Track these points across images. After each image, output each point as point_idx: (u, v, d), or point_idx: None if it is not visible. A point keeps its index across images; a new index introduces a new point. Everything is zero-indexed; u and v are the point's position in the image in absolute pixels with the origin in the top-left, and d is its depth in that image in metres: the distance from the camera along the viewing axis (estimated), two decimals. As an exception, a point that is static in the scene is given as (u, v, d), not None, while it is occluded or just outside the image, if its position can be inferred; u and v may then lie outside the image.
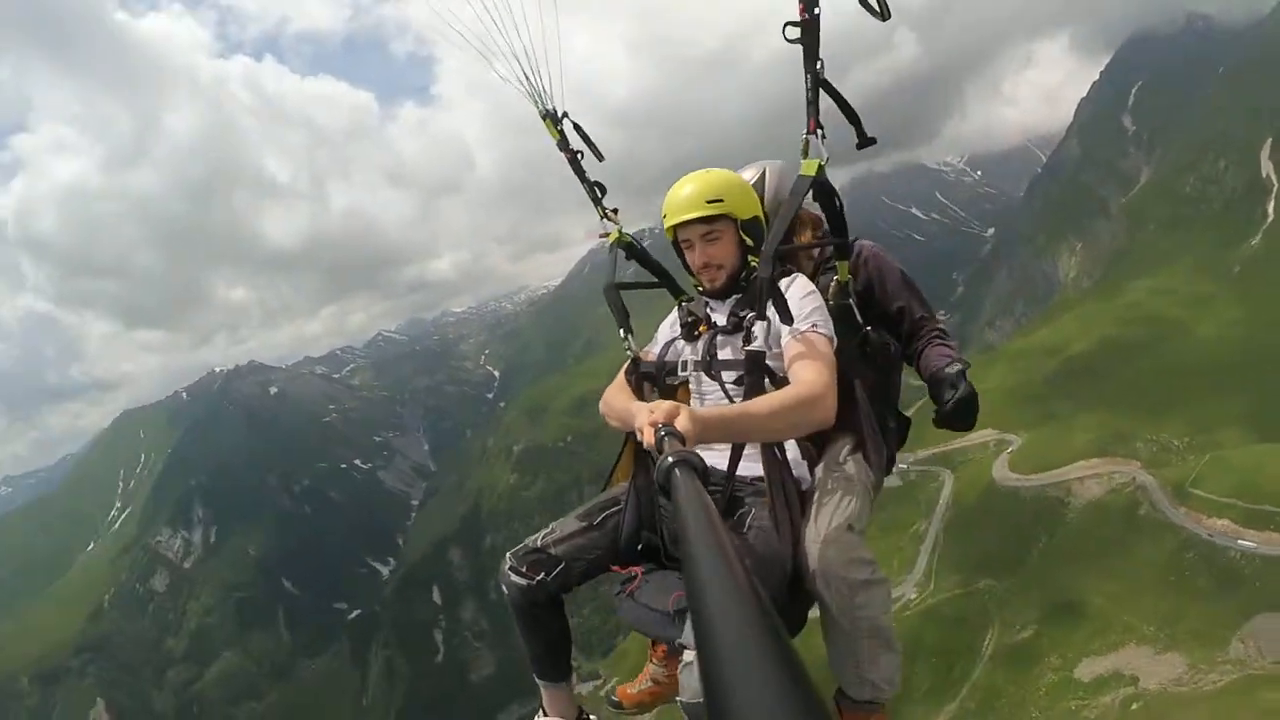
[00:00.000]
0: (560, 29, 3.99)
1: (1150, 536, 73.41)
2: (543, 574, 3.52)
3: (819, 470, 3.58)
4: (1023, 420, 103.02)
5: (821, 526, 3.28)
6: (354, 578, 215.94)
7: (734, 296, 3.75)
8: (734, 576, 1.05)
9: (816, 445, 3.65)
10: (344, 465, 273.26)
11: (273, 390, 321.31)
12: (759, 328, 3.52)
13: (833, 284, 3.89)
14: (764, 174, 4.30)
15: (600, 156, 4.34)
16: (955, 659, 72.06)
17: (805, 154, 3.63)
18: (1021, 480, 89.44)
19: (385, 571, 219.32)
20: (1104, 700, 60.34)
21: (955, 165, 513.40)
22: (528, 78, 4.19)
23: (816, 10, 3.38)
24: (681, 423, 2.49)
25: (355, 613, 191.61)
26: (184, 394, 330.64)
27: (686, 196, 3.64)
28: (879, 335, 4.00)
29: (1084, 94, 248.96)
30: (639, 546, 3.60)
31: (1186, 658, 60.61)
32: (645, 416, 2.56)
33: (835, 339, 3.48)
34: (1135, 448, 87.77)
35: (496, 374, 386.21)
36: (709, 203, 3.60)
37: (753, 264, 3.71)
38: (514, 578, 3.54)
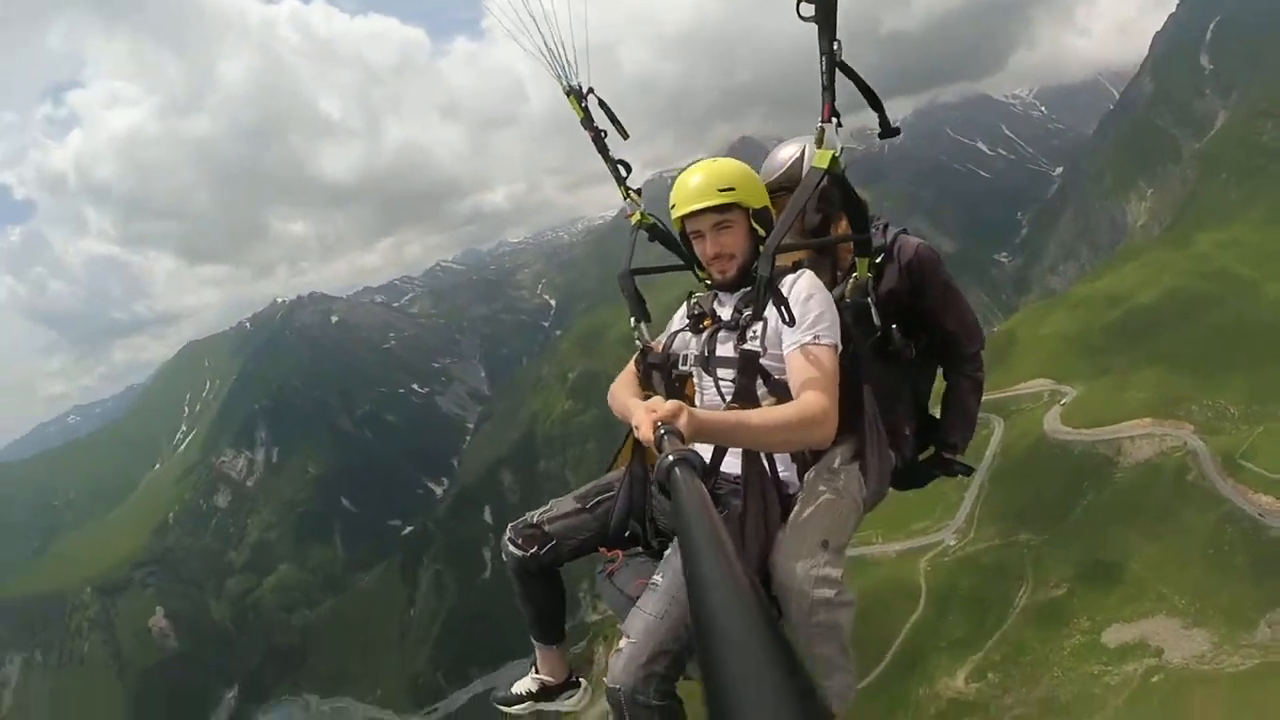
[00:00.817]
0: (586, 6, 3.97)
1: (1195, 505, 69.15)
2: (535, 548, 3.75)
3: (809, 475, 3.55)
4: (1079, 372, 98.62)
5: (794, 537, 3.29)
6: (409, 497, 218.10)
7: (743, 290, 3.67)
8: (734, 576, 1.07)
9: (812, 449, 3.58)
10: (402, 390, 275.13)
11: (333, 319, 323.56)
12: (756, 327, 3.51)
13: (851, 281, 3.90)
14: (803, 152, 4.09)
15: (625, 134, 4.31)
16: (988, 610, 69.65)
17: (819, 143, 3.62)
18: (1072, 434, 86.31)
19: (439, 491, 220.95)
20: (1127, 669, 57.35)
21: (1023, 98, 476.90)
22: (551, 52, 4.16)
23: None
24: (681, 422, 2.55)
25: (408, 529, 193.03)
26: (247, 324, 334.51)
27: (697, 186, 3.57)
28: (901, 336, 3.95)
29: (1159, 27, 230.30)
30: (627, 533, 3.76)
31: (1212, 635, 57.12)
32: (643, 414, 2.64)
33: (840, 345, 3.41)
34: (1190, 410, 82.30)
35: (553, 303, 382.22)
36: (720, 191, 3.53)
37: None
38: (511, 548, 3.79)
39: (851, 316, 3.66)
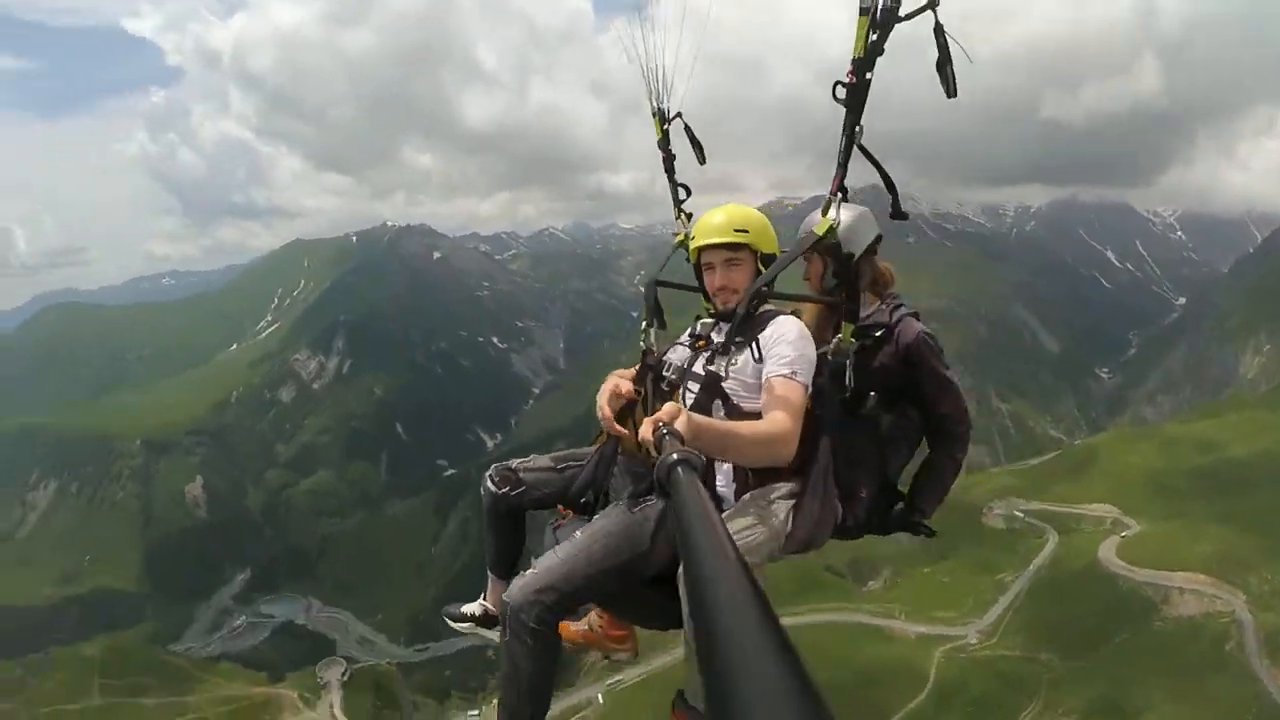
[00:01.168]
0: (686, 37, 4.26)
1: (1227, 676, 67.11)
2: (507, 489, 4.16)
3: (745, 496, 3.83)
4: (1149, 509, 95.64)
5: None
6: (460, 442, 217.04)
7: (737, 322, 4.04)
8: (735, 576, 1.08)
9: (757, 476, 3.87)
10: (481, 339, 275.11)
11: (436, 255, 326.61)
12: (735, 356, 3.91)
13: (834, 343, 4.10)
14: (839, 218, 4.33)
15: (702, 160, 4.65)
16: (989, 719, 68.51)
17: (825, 211, 4.02)
18: (1123, 569, 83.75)
19: (490, 444, 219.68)
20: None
21: (1164, 218, 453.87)
22: (651, 72, 4.52)
23: (868, 76, 3.57)
24: (680, 424, 2.81)
25: (451, 471, 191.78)
26: (354, 238, 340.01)
27: (717, 223, 4.05)
28: (877, 405, 4.19)
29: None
30: (583, 500, 4.03)
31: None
32: (607, 391, 3.70)
33: (810, 388, 3.77)
34: (1248, 580, 77.99)
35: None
36: (736, 231, 4.01)
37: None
38: (489, 484, 4.18)
39: (828, 373, 3.96)
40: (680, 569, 3.28)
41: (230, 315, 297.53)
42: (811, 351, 3.84)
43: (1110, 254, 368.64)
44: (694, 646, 3.19)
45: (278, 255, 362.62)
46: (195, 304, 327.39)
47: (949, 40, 3.49)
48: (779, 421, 3.49)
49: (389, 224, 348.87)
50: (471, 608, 4.67)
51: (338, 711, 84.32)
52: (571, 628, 4.43)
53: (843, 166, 3.79)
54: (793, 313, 4.12)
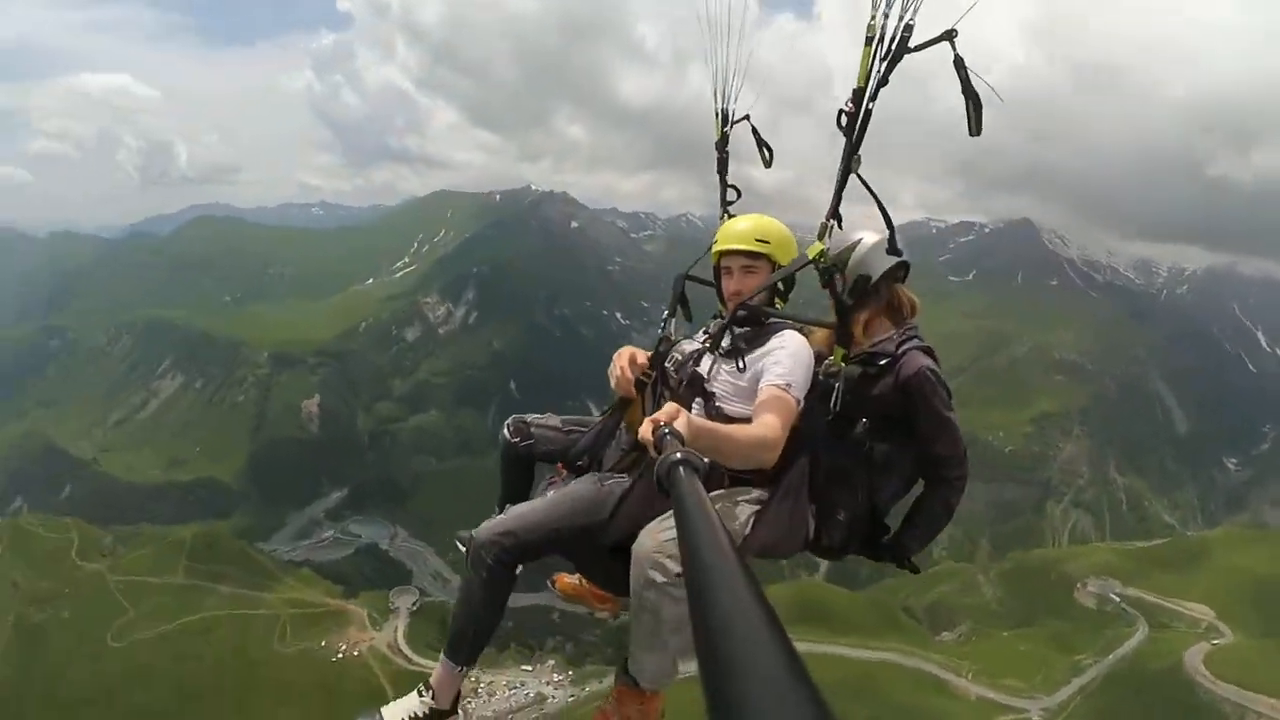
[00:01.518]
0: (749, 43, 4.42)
1: None
2: (518, 439, 4.49)
3: (713, 494, 3.85)
4: (1248, 620, 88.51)
5: (662, 524, 3.63)
6: (567, 408, 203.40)
7: (744, 328, 4.22)
8: (734, 573, 1.10)
9: (732, 478, 3.96)
10: (605, 312, 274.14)
11: (574, 224, 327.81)
12: (709, 358, 4.19)
13: (825, 364, 4.17)
14: (861, 241, 4.46)
15: (768, 163, 4.70)
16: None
17: (819, 236, 4.07)
18: (1207, 679, 78.17)
19: (597, 415, 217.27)
20: None
21: None
22: (722, 73, 4.57)
23: (869, 106, 3.64)
24: (680, 424, 2.90)
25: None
26: (497, 196, 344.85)
27: (740, 231, 4.22)
28: (868, 435, 4.13)
29: None
30: (579, 463, 4.36)
31: None
32: (625, 355, 4.14)
33: (801, 403, 3.86)
34: None
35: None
36: (757, 241, 4.16)
37: (777, 305, 4.27)
38: (506, 432, 4.54)
39: (818, 392, 4.04)
40: (635, 544, 3.59)
41: (371, 251, 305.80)
42: (809, 367, 3.95)
43: (1261, 335, 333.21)
44: (645, 626, 3.66)
45: (424, 202, 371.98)
46: (340, 235, 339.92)
47: (971, 75, 3.47)
48: (769, 426, 3.61)
49: (533, 187, 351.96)
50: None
51: (400, 636, 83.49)
52: (566, 579, 4.84)
53: (838, 194, 3.88)
54: (802, 328, 4.19)
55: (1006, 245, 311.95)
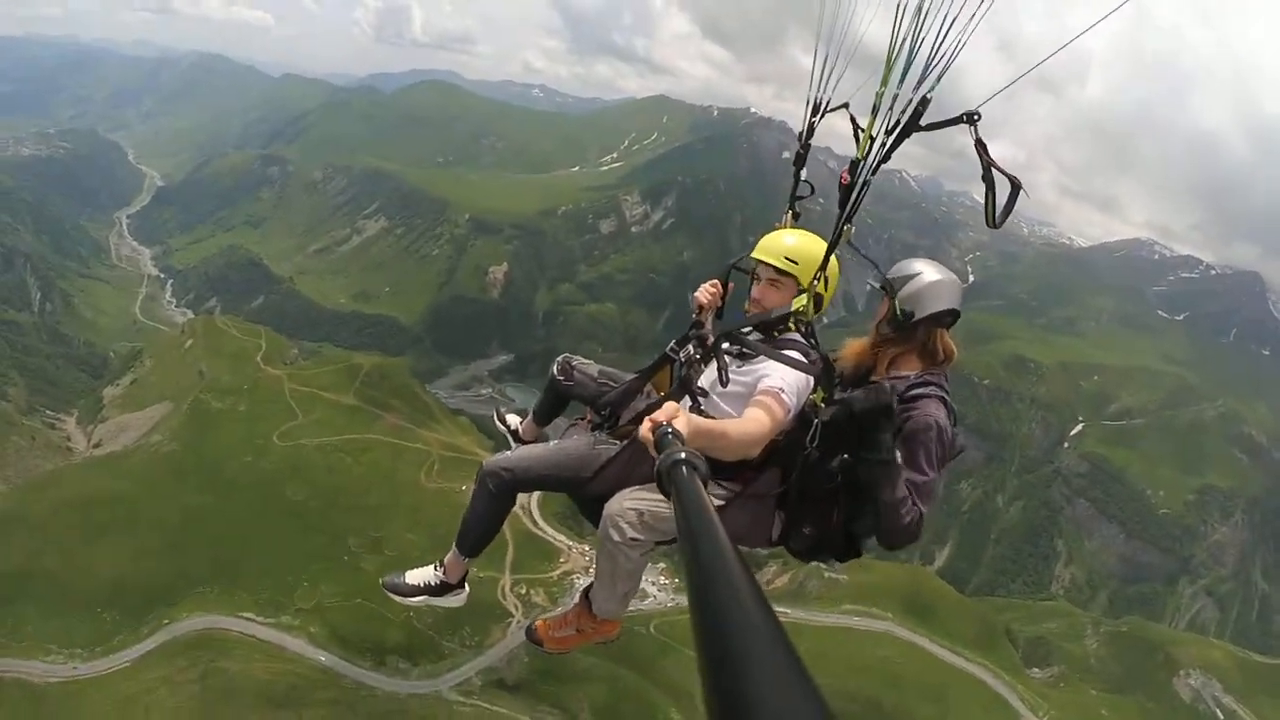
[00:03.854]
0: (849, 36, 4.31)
1: None
2: (563, 376, 5.20)
3: None
4: None
5: (631, 489, 4.11)
6: None
7: (755, 336, 4.46)
8: (733, 572, 1.13)
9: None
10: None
11: (785, 154, 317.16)
12: (700, 366, 4.50)
13: (807, 400, 4.26)
14: (921, 274, 4.44)
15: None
16: None
17: (805, 297, 4.34)
18: None
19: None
20: None
21: None
22: (821, 66, 4.48)
23: (866, 180, 3.76)
24: (679, 423, 2.98)
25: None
26: (715, 111, 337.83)
27: (778, 245, 4.41)
28: (840, 468, 4.13)
29: None
30: (604, 411, 4.80)
31: None
32: (705, 289, 5.00)
33: (791, 413, 4.03)
34: None
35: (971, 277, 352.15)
36: (788, 259, 4.34)
37: (793, 323, 4.42)
38: (554, 368, 5.27)
39: (798, 421, 4.14)
40: (607, 503, 4.13)
41: (581, 140, 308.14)
42: (807, 388, 4.13)
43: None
44: (603, 568, 4.34)
45: (642, 103, 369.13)
46: (555, 119, 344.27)
47: (993, 163, 3.40)
48: (760, 423, 3.81)
49: (751, 110, 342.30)
50: (512, 420, 5.98)
51: (534, 501, 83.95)
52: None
53: (831, 247, 4.09)
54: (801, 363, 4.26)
55: (1227, 295, 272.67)
